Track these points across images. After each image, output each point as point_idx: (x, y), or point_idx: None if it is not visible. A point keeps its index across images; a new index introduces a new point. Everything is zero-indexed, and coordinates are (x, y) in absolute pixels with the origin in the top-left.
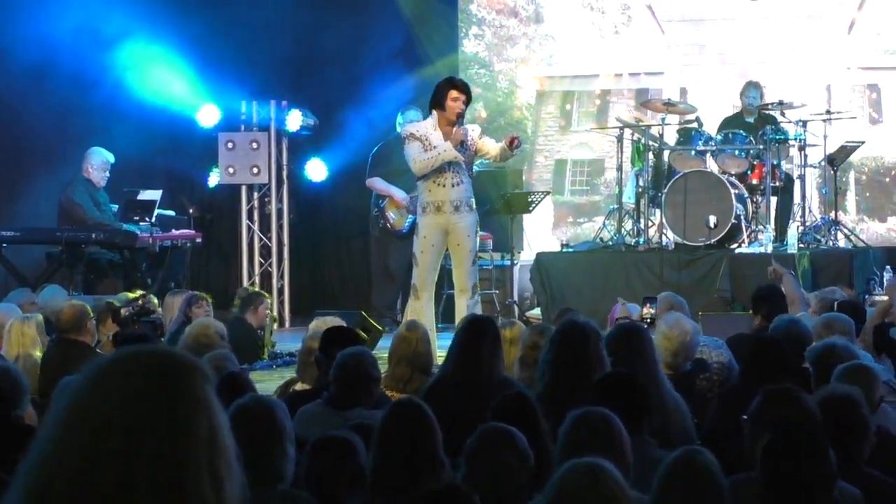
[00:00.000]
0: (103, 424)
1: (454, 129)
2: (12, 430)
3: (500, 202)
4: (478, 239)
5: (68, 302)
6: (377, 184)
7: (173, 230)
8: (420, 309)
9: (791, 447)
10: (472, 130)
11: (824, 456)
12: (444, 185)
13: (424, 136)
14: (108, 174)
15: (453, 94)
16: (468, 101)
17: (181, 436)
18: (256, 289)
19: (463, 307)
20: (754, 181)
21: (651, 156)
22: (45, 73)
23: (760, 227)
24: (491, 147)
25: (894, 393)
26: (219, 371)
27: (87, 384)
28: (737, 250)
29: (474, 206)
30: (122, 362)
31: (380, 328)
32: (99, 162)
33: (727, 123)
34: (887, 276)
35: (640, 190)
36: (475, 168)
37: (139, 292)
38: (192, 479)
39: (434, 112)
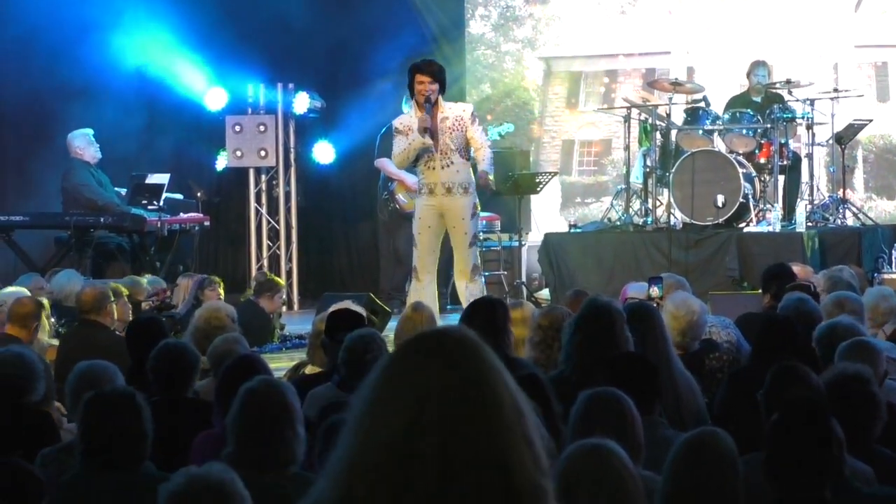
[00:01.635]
0: (412, 408)
1: (422, 115)
2: (25, 416)
3: (507, 183)
4: (477, 221)
5: (89, 284)
6: (387, 166)
7: (181, 214)
8: (422, 290)
9: (796, 427)
10: (464, 111)
11: (829, 436)
12: (433, 168)
13: (408, 126)
14: (97, 146)
15: (418, 77)
16: (438, 82)
17: (492, 408)
18: (274, 276)
19: (463, 289)
20: (762, 160)
21: (658, 136)
22: (53, 55)
23: (768, 205)
24: (476, 141)
25: None
26: (230, 353)
27: (388, 368)
28: (745, 229)
29: (470, 188)
30: (416, 345)
31: (388, 310)
32: (84, 141)
33: (734, 102)
34: None
35: (647, 170)
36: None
37: (148, 276)
38: (511, 449)
39: (413, 100)
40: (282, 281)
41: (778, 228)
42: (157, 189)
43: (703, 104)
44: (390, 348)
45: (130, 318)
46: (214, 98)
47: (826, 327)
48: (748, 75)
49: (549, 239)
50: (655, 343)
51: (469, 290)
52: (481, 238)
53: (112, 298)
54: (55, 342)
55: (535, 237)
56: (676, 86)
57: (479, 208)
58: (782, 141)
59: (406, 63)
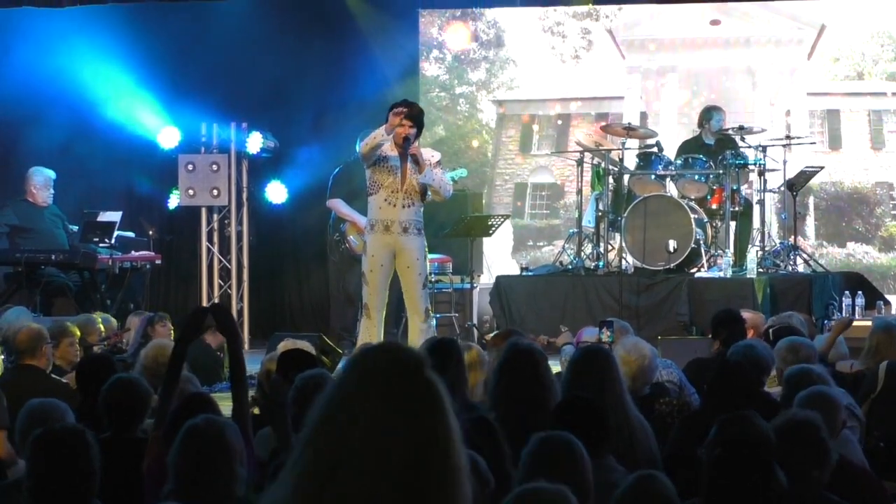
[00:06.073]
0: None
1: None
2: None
3: (459, 225)
4: (427, 262)
5: (26, 325)
6: (339, 206)
7: (133, 251)
8: (373, 328)
9: (731, 466)
10: (432, 156)
11: (769, 476)
12: (394, 205)
13: (380, 133)
14: (52, 191)
15: (396, 109)
16: (415, 122)
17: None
18: None
19: (417, 330)
20: (714, 206)
21: (611, 180)
22: (8, 90)
23: (720, 251)
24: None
25: (854, 417)
26: (181, 393)
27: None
28: (696, 275)
29: (422, 230)
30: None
31: (339, 350)
32: (41, 181)
33: (687, 147)
34: (846, 301)
35: (599, 214)
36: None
37: (100, 315)
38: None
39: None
40: None
41: (729, 274)
42: (109, 227)
43: (655, 149)
44: None
45: (77, 360)
46: (167, 137)
47: (799, 371)
48: (702, 120)
49: (501, 281)
50: (613, 386)
51: (422, 329)
52: (433, 280)
53: (48, 340)
54: None
55: (486, 280)
56: (629, 130)
57: (427, 251)
58: (734, 187)
59: (360, 104)
